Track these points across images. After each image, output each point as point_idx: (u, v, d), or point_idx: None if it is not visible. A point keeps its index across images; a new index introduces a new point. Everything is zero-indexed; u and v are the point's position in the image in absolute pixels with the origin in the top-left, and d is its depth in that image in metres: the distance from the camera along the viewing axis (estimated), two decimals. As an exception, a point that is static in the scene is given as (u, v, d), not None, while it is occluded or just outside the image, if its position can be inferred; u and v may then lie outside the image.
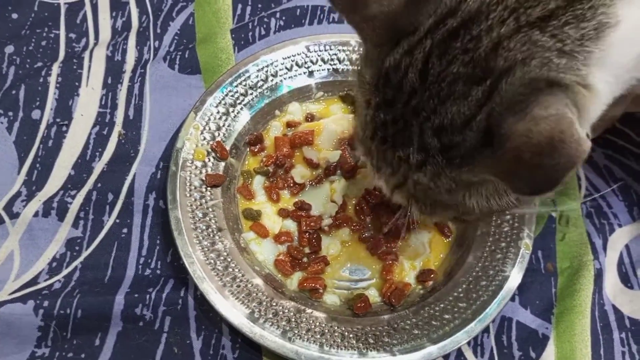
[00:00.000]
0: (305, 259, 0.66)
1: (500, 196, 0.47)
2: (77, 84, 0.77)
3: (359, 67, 0.49)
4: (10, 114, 0.74)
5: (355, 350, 0.59)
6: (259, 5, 0.85)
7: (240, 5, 0.85)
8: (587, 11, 0.42)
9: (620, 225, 0.72)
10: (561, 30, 0.41)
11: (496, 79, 0.41)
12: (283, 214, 0.68)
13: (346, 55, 0.76)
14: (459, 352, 0.63)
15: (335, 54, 0.76)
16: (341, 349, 0.59)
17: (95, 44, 0.81)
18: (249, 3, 0.85)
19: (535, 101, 0.39)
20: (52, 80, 0.77)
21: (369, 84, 0.47)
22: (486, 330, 0.64)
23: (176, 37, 0.82)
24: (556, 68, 0.41)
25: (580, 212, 0.72)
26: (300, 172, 0.70)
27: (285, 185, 0.69)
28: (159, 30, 0.82)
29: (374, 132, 0.47)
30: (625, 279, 0.69)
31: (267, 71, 0.74)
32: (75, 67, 0.78)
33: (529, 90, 0.40)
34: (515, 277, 0.63)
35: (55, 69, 0.78)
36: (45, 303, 0.63)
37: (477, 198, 0.47)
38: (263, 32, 0.81)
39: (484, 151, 0.42)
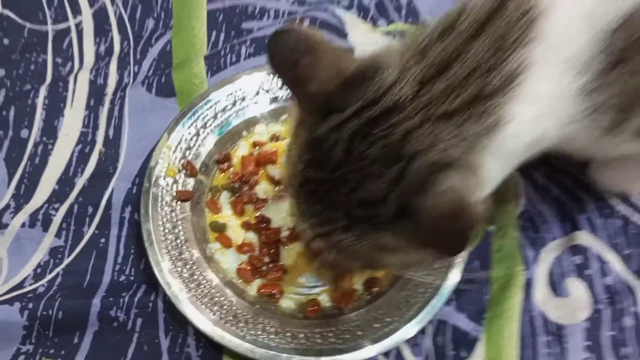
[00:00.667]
0: (264, 268, 0.73)
1: (411, 256, 0.55)
2: (62, 105, 0.84)
3: (294, 126, 0.56)
4: (1, 132, 0.82)
5: (304, 349, 0.67)
6: (232, 33, 0.93)
7: (214, 33, 0.92)
8: (484, 111, 0.50)
9: (553, 239, 0.80)
10: (461, 127, 0.49)
11: (406, 162, 0.49)
12: (246, 226, 0.75)
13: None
14: (398, 351, 0.70)
15: None
16: (292, 348, 0.67)
17: (80, 68, 0.88)
18: (223, 31, 0.93)
19: (436, 179, 0.48)
20: (40, 101, 0.84)
21: (302, 142, 0.53)
22: (423, 331, 0.71)
23: (154, 63, 0.89)
24: (454, 154, 0.49)
25: (517, 226, 0.80)
26: (263, 188, 0.78)
27: (250, 200, 0.77)
28: (138, 56, 0.89)
29: (302, 182, 0.54)
30: (554, 288, 0.76)
31: (235, 95, 0.81)
32: (61, 89, 0.85)
33: (430, 172, 0.48)
34: (450, 284, 0.70)
35: (43, 91, 0.85)
36: (30, 305, 0.70)
37: (395, 258, 0.55)
38: (234, 59, 0.89)
39: (399, 221, 0.50)
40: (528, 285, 0.75)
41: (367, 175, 0.50)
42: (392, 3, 0.98)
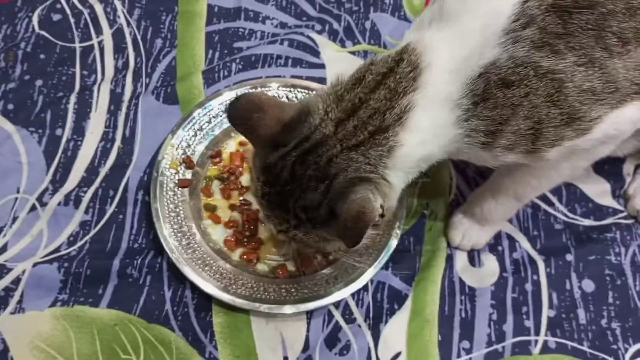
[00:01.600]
0: (245, 240, 0.93)
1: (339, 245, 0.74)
2: (88, 110, 1.01)
3: (251, 157, 0.74)
4: (40, 131, 0.99)
5: (273, 299, 0.87)
6: (225, 52, 1.11)
7: (210, 51, 1.10)
8: (382, 140, 0.69)
9: (475, 222, 0.98)
10: (367, 152, 0.68)
11: (331, 180, 0.68)
12: (232, 207, 0.95)
13: (285, 94, 1.02)
14: (346, 304, 0.90)
15: (277, 94, 1.02)
16: (264, 298, 0.87)
17: (102, 80, 1.05)
18: (218, 49, 1.11)
19: (352, 190, 0.67)
20: (70, 106, 1.01)
21: (258, 167, 0.71)
22: (365, 289, 0.91)
23: (162, 76, 1.06)
24: (364, 171, 0.68)
25: (447, 210, 0.99)
26: (246, 178, 0.97)
27: (236, 187, 0.96)
28: (149, 70, 1.07)
29: (262, 196, 0.72)
30: (472, 261, 0.95)
31: (225, 105, 1.00)
32: (87, 97, 1.02)
33: (349, 184, 0.68)
34: (386, 254, 0.90)
35: (73, 98, 1.02)
36: (65, 264, 0.88)
37: (331, 245, 0.75)
38: (226, 74, 1.07)
39: (331, 221, 0.69)
40: (450, 258, 0.94)
41: (306, 189, 0.69)
42: (358, 27, 1.16)
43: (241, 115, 0.71)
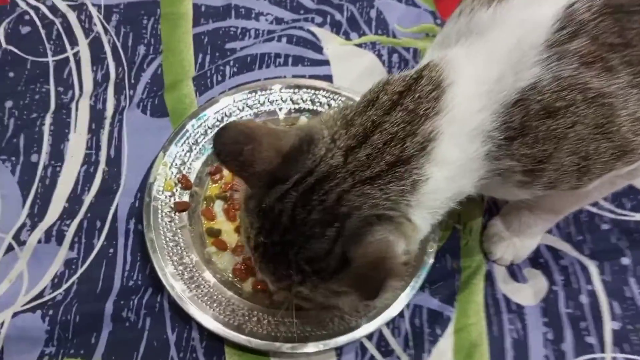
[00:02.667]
0: (257, 267, 0.82)
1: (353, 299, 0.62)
2: (66, 130, 0.92)
3: (243, 199, 0.63)
4: (13, 158, 0.89)
5: (294, 337, 0.75)
6: (217, 54, 1.01)
7: (200, 55, 1.00)
8: (404, 173, 0.58)
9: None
10: (386, 187, 0.57)
11: (342, 222, 0.57)
12: (239, 230, 0.84)
13: (289, 96, 0.92)
14: (380, 335, 0.79)
15: (280, 96, 0.92)
16: (285, 336, 0.75)
17: (80, 95, 0.95)
18: (208, 52, 1.01)
19: (369, 231, 0.56)
20: (46, 128, 0.92)
21: (252, 211, 0.61)
22: (401, 315, 0.80)
23: (147, 85, 0.97)
24: (383, 208, 0.57)
25: (481, 222, 0.88)
26: (253, 195, 0.86)
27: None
28: (132, 80, 0.97)
29: (256, 246, 0.61)
30: (514, 276, 0.85)
31: (222, 113, 0.90)
32: (64, 116, 0.93)
33: (365, 224, 0.56)
34: (422, 273, 0.79)
35: (48, 118, 0.93)
36: (50, 312, 0.78)
37: (342, 301, 0.62)
38: (220, 78, 0.97)
39: (343, 269, 0.57)
40: (490, 274, 0.84)
41: (310, 237, 0.58)
42: (363, 17, 1.06)
43: (232, 150, 0.59)
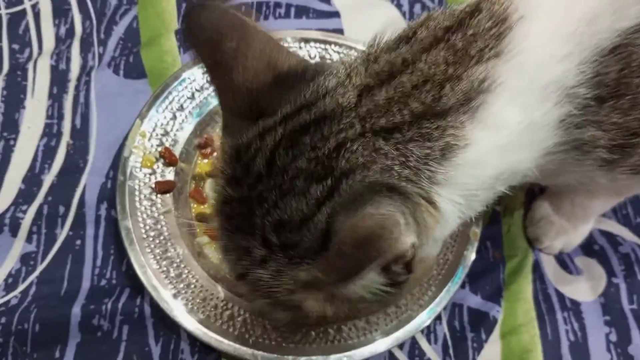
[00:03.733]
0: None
1: (333, 302, 0.45)
2: (22, 96, 0.77)
3: (222, 129, 0.49)
4: None
5: (310, 347, 0.61)
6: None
7: (184, 4, 0.85)
8: (434, 131, 0.42)
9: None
10: (405, 146, 0.42)
11: (337, 179, 0.41)
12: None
13: (294, 52, 0.77)
14: (414, 341, 0.65)
15: None
16: (297, 347, 0.61)
17: (39, 54, 0.80)
18: (193, 1, 0.85)
19: (371, 200, 0.40)
20: None
21: (227, 153, 0.46)
22: (438, 318, 0.66)
23: (121, 42, 0.81)
24: (398, 177, 0.42)
25: (524, 204, 0.75)
26: (251, 172, 0.71)
27: (237, 186, 0.70)
28: (102, 36, 0.82)
29: (221, 206, 0.46)
30: (565, 267, 0.72)
31: (213, 73, 0.74)
32: (19, 79, 0.78)
33: (368, 191, 0.40)
34: (465, 264, 0.65)
35: (0, 81, 0.77)
36: (3, 319, 0.64)
37: (313, 301, 0.45)
38: (208, 32, 0.82)
39: (322, 252, 0.41)
40: (537, 265, 0.72)
41: (287, 192, 0.42)
42: (378, -40, 0.90)
43: (207, 38, 0.44)
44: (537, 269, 0.71)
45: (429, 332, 0.66)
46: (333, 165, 0.42)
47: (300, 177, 0.42)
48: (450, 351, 0.65)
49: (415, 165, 0.42)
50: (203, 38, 0.45)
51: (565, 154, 0.48)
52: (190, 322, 0.61)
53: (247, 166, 0.44)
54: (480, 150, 0.44)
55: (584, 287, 0.71)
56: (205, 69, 0.47)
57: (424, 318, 0.62)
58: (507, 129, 0.45)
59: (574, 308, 0.69)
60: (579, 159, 0.49)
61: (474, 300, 0.68)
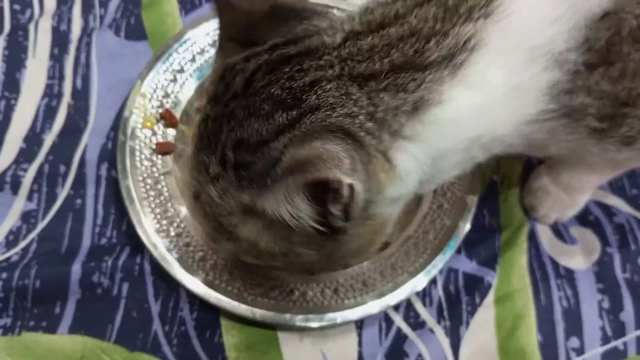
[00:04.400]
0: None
1: (269, 233, 0.46)
2: (23, 56, 0.76)
3: (216, 53, 0.49)
4: None
5: (307, 307, 0.62)
6: (207, -34, 0.85)
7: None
8: (410, 82, 0.42)
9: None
10: (377, 95, 0.42)
11: (302, 113, 0.42)
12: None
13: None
14: (409, 304, 0.66)
15: None
16: (296, 305, 0.62)
17: (40, 15, 0.80)
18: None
19: (324, 138, 0.40)
20: None
21: (215, 74, 0.47)
22: (433, 282, 0.67)
23: (122, 3, 0.81)
24: (360, 126, 0.42)
25: (521, 173, 0.75)
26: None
27: (239, 148, 0.71)
28: (104, -3, 0.81)
29: (199, 123, 0.46)
30: (560, 236, 0.73)
31: (214, 35, 0.74)
32: (21, 39, 0.77)
33: (324, 131, 0.41)
34: (461, 229, 0.66)
35: (1, 42, 0.77)
36: (4, 275, 0.64)
37: (251, 227, 0.46)
38: (210, -6, 0.82)
39: (267, 177, 0.42)
40: (533, 234, 0.72)
41: (253, 113, 0.43)
42: None
43: None
44: (532, 237, 0.72)
45: (425, 295, 0.67)
46: (303, 98, 0.42)
47: (269, 102, 0.43)
48: (445, 313, 0.66)
49: (383, 117, 0.43)
50: None
51: (555, 122, 0.48)
52: (189, 280, 0.61)
53: (227, 85, 0.45)
54: (457, 108, 0.44)
55: (578, 256, 0.71)
56: None
57: (419, 281, 0.63)
58: (488, 90, 0.44)
59: (568, 276, 0.70)
60: (570, 127, 0.49)
61: (469, 266, 0.68)
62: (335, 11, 0.74)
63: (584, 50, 0.45)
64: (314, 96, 0.42)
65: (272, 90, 0.43)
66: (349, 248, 0.48)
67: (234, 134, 0.43)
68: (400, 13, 0.45)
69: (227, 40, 0.47)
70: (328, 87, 0.43)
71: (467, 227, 0.66)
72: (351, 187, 0.40)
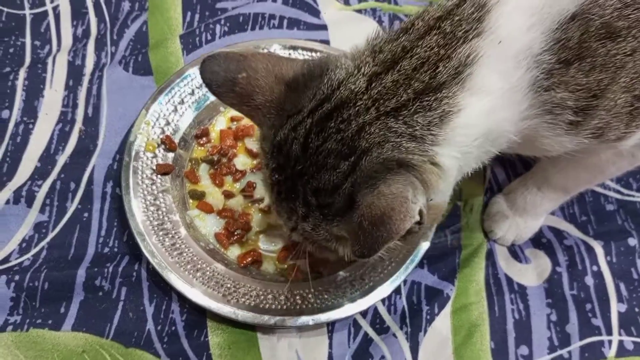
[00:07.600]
0: (237, 232, 0.75)
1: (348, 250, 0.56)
2: (41, 86, 0.85)
3: (260, 140, 0.58)
4: None
5: (285, 309, 0.69)
6: (207, 13, 0.94)
7: (189, 13, 0.94)
8: (433, 102, 0.51)
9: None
10: (411, 118, 0.51)
11: (358, 156, 0.51)
12: (227, 195, 0.77)
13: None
14: (376, 311, 0.73)
15: None
16: (273, 308, 0.69)
17: (58, 50, 0.89)
18: (198, 11, 0.94)
19: (384, 179, 0.49)
20: (20, 83, 0.85)
21: (267, 153, 0.55)
22: (398, 292, 0.74)
23: (131, 43, 0.90)
24: (405, 151, 0.51)
25: (482, 202, 0.83)
26: (242, 161, 0.80)
27: (229, 171, 0.79)
28: (115, 37, 0.90)
29: (272, 187, 0.56)
30: (515, 257, 0.80)
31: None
32: (40, 71, 0.86)
33: (383, 169, 0.50)
34: (422, 247, 0.74)
35: (22, 73, 0.85)
36: (17, 277, 0.71)
37: (345, 249, 0.56)
38: (209, 37, 0.90)
39: (348, 212, 0.51)
40: (491, 253, 0.80)
41: (321, 167, 0.52)
42: (363, -20, 1.00)
43: (224, 79, 0.53)
44: (490, 256, 0.79)
45: (390, 304, 0.74)
46: (356, 145, 0.51)
47: (331, 156, 0.51)
48: (407, 321, 0.73)
49: (421, 134, 0.51)
50: (220, 81, 0.54)
51: (540, 118, 0.55)
52: (181, 285, 0.69)
53: (287, 154, 0.53)
54: (470, 113, 0.52)
55: (531, 274, 0.78)
56: (228, 103, 0.56)
57: (384, 289, 0.71)
58: (491, 94, 0.53)
59: (520, 291, 0.77)
60: (551, 123, 0.56)
61: (431, 279, 0.76)
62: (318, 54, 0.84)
63: (558, 49, 0.52)
64: (364, 141, 0.51)
65: (329, 145, 0.51)
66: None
67: (310, 185, 0.52)
68: (408, 47, 0.53)
69: (267, 129, 0.55)
70: (372, 130, 0.51)
71: (427, 245, 0.74)
72: (420, 212, 0.50)
